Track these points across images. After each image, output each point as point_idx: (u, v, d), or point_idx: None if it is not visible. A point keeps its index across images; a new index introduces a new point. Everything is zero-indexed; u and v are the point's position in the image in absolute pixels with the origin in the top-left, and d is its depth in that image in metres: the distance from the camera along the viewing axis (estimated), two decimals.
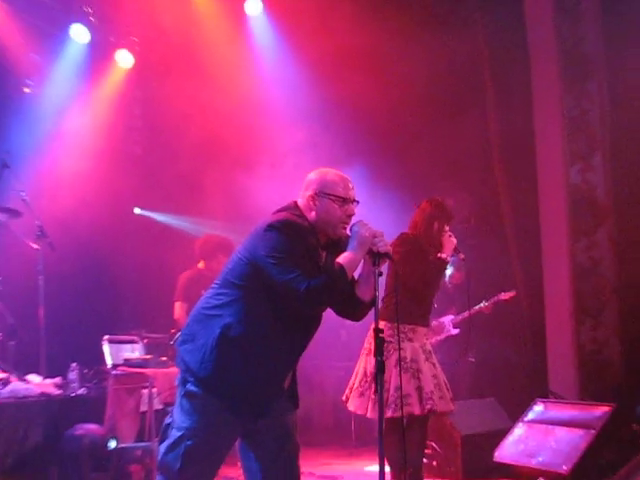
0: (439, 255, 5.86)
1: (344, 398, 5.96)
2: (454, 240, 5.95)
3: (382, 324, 4.49)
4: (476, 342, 8.78)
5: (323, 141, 8.83)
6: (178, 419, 3.61)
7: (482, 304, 8.36)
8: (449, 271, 8.79)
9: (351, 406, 5.84)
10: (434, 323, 8.59)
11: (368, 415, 5.68)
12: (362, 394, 5.76)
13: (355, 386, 5.85)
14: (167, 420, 3.73)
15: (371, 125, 9.21)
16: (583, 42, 8.68)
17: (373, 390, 5.60)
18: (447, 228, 6.02)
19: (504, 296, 8.48)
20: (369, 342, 5.90)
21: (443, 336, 8.67)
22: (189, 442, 3.54)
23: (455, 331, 8.60)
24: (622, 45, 8.25)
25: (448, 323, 8.60)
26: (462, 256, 6.02)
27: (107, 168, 9.21)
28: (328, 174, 3.83)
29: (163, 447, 3.65)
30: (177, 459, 3.56)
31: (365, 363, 5.84)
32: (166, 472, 3.63)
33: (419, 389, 5.59)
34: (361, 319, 4.22)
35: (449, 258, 5.93)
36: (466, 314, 8.53)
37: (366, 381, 5.76)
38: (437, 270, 5.88)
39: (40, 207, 7.52)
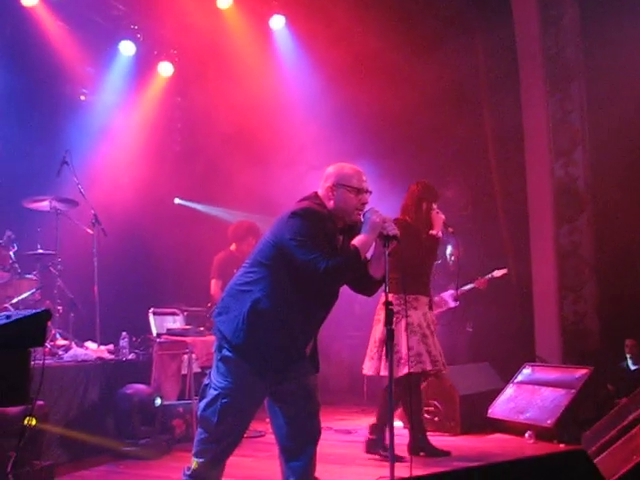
0: (431, 232, 5.81)
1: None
2: (442, 216, 5.89)
3: (390, 296, 4.54)
4: (473, 314, 8.80)
5: (335, 139, 8.81)
6: (215, 380, 3.67)
7: (476, 281, 8.38)
8: (449, 250, 8.82)
9: (365, 370, 5.89)
10: (436, 298, 8.60)
11: (381, 374, 5.68)
12: (372, 358, 5.80)
13: (368, 352, 5.89)
14: (205, 381, 3.78)
15: (381, 126, 9.20)
16: (565, 50, 8.67)
17: (384, 353, 5.65)
18: (435, 206, 5.95)
19: (497, 274, 8.50)
20: (378, 313, 5.93)
21: (444, 308, 8.70)
22: (224, 400, 3.59)
23: (455, 304, 8.62)
24: (599, 52, 8.23)
25: (448, 297, 8.61)
26: (451, 229, 5.95)
27: (151, 164, 9.25)
28: (345, 168, 3.86)
29: (202, 404, 3.70)
30: (214, 414, 3.61)
31: (374, 332, 5.88)
32: (205, 425, 3.69)
33: (428, 351, 5.66)
34: (373, 294, 4.25)
35: (440, 234, 5.87)
36: (466, 288, 8.59)
37: (375, 346, 5.80)
38: (430, 246, 5.84)
39: (94, 198, 7.58)
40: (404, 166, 8.71)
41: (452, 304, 8.51)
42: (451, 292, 8.53)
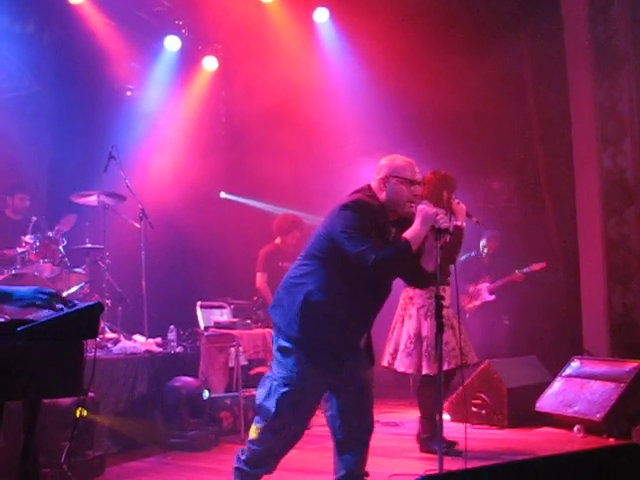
0: (455, 223, 5.50)
1: (385, 364, 5.83)
2: (464, 206, 5.59)
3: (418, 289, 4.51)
4: (512, 307, 8.72)
5: (379, 130, 8.79)
6: (275, 370, 3.71)
7: (513, 275, 8.33)
8: (483, 242, 8.73)
9: (400, 367, 5.72)
10: (471, 289, 8.55)
11: (424, 372, 5.58)
12: (409, 354, 5.66)
13: (401, 349, 5.72)
14: (267, 373, 3.82)
15: (425, 117, 9.14)
16: (614, 38, 8.49)
17: (425, 348, 5.59)
18: (454, 196, 5.71)
19: (535, 267, 8.44)
20: (403, 309, 5.81)
21: (479, 302, 8.64)
22: (283, 390, 3.63)
23: (491, 297, 8.55)
24: None
25: (484, 290, 8.53)
26: (475, 219, 5.66)
27: (196, 158, 9.34)
28: (397, 159, 3.86)
29: (261, 394, 3.71)
30: (273, 405, 3.64)
31: (407, 327, 5.72)
32: (264, 415, 3.70)
33: (458, 344, 5.46)
34: (427, 287, 4.27)
35: (464, 224, 5.57)
36: (499, 282, 8.53)
37: (411, 342, 5.66)
38: (455, 238, 5.35)
39: (141, 192, 7.67)
40: (448, 157, 8.64)
41: (488, 298, 8.45)
42: (486, 284, 8.46)
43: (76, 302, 2.94)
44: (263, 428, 3.71)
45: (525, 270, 8.50)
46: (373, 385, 3.87)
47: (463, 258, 8.57)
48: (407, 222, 3.78)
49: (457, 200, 5.63)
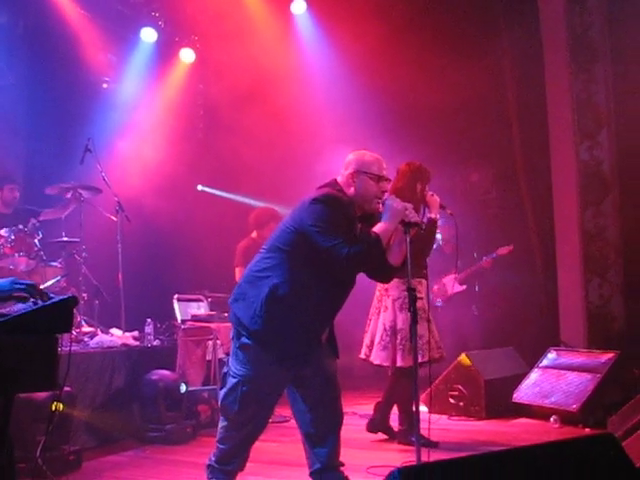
0: (428, 215, 5.49)
1: (363, 357, 5.83)
2: (437, 198, 5.50)
3: (395, 281, 4.50)
4: (480, 297, 8.77)
5: (356, 121, 8.78)
6: (234, 368, 3.69)
7: (481, 261, 8.36)
8: (440, 235, 8.62)
9: (376, 360, 5.71)
10: (435, 287, 8.54)
11: (398, 364, 5.58)
12: (385, 347, 5.65)
13: (376, 342, 5.72)
14: (225, 369, 3.82)
15: (401, 109, 9.15)
16: (590, 30, 8.54)
17: (399, 341, 5.59)
18: (428, 188, 5.64)
19: (502, 251, 8.46)
20: (379, 301, 5.80)
21: (450, 293, 8.64)
22: (244, 387, 3.63)
23: (461, 287, 8.55)
24: (625, 32, 8.12)
25: (450, 282, 8.50)
26: (449, 211, 5.53)
27: (173, 151, 9.29)
28: (365, 155, 3.88)
29: (222, 393, 3.75)
30: (235, 402, 3.65)
31: (383, 319, 5.71)
32: (227, 413, 3.72)
33: (432, 337, 5.46)
34: (390, 281, 4.27)
35: (437, 216, 5.52)
36: (467, 271, 8.54)
37: (387, 335, 5.65)
38: (429, 230, 5.37)
39: (117, 185, 7.62)
40: (425, 149, 8.66)
41: (458, 288, 8.45)
42: (453, 276, 8.46)
43: (53, 295, 2.91)
44: (227, 426, 3.72)
45: (492, 256, 8.53)
46: (338, 375, 3.86)
47: None
48: (372, 217, 3.79)
49: (431, 192, 5.57)
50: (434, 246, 6.44)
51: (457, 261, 6.61)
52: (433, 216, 5.50)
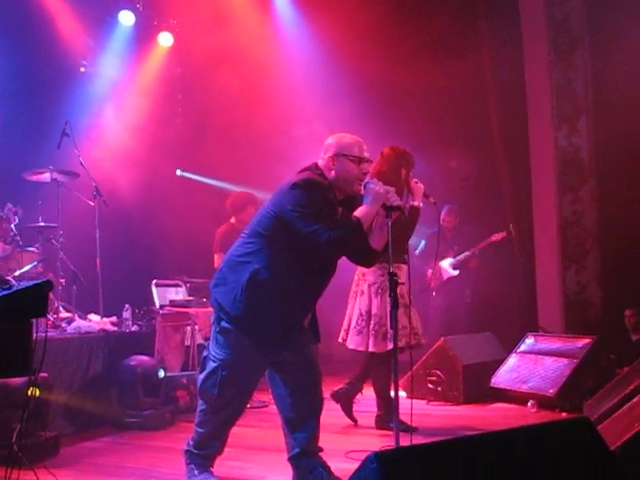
0: (412, 203, 5.36)
1: (340, 340, 5.82)
2: (422, 186, 5.39)
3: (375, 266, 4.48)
4: (473, 285, 8.79)
5: (337, 106, 8.75)
6: (214, 352, 3.68)
7: (475, 247, 8.40)
8: (442, 217, 8.58)
9: (351, 344, 5.69)
10: (429, 271, 8.50)
11: (370, 349, 5.55)
12: (360, 332, 5.63)
13: (352, 326, 5.70)
14: (205, 353, 3.80)
15: (381, 94, 9.12)
16: (569, 18, 8.57)
17: (372, 326, 5.57)
18: (412, 174, 5.53)
19: (496, 237, 8.49)
20: (356, 285, 5.78)
21: (445, 278, 8.67)
22: (224, 372, 3.63)
23: (454, 272, 8.58)
24: (604, 21, 8.15)
25: (447, 266, 8.55)
26: (433, 200, 5.39)
27: (152, 135, 9.22)
28: (345, 138, 3.86)
29: (202, 376, 3.73)
30: (214, 386, 3.65)
31: (359, 304, 5.68)
32: (206, 397, 3.71)
33: (409, 323, 5.42)
34: (372, 265, 4.25)
35: (420, 204, 5.39)
36: (465, 255, 8.56)
37: (362, 320, 5.62)
38: (411, 217, 5.28)
39: (95, 170, 7.55)
40: (405, 136, 8.65)
41: (452, 272, 8.49)
42: (450, 260, 8.49)
43: (13, 283, 2.87)
44: (206, 410, 3.72)
45: (486, 241, 8.56)
46: (319, 360, 3.85)
47: (422, 245, 8.61)
48: (353, 201, 3.77)
49: (415, 180, 5.46)
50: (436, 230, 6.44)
51: (437, 249, 6.55)
52: (416, 204, 5.39)
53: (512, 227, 9.11)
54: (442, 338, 7.11)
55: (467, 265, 8.65)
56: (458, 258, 8.57)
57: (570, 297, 8.46)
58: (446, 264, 8.58)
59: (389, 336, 5.43)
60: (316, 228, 3.50)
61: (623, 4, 7.77)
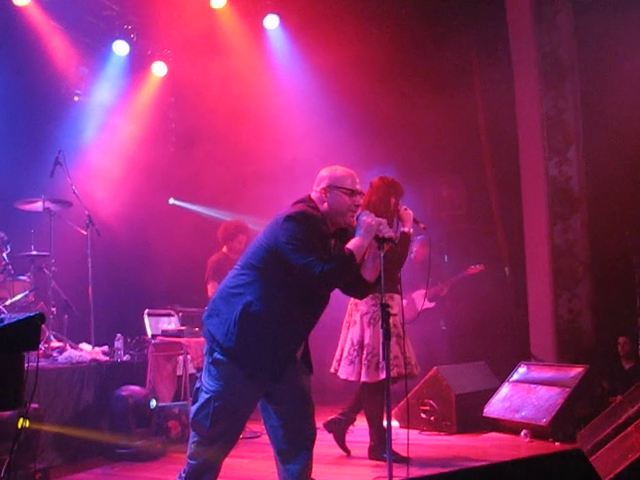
0: (402, 229, 5.49)
1: (332, 371, 5.85)
2: (411, 212, 5.54)
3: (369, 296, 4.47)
4: (448, 313, 8.78)
5: (328, 136, 8.80)
6: (207, 383, 3.66)
7: (450, 279, 8.38)
8: (414, 249, 8.61)
9: (343, 374, 5.71)
10: (404, 302, 8.47)
11: (362, 379, 5.57)
12: (352, 362, 5.65)
13: (344, 356, 5.73)
14: (197, 384, 3.78)
15: (373, 125, 9.19)
16: (559, 48, 8.66)
17: (365, 356, 5.59)
18: (401, 202, 5.64)
19: (472, 270, 8.48)
20: (349, 315, 5.82)
21: (420, 309, 8.62)
22: (216, 403, 3.59)
23: (430, 304, 8.53)
24: (593, 50, 8.26)
25: (420, 298, 8.48)
26: (423, 226, 5.56)
27: (145, 164, 9.23)
28: (337, 170, 3.87)
29: (194, 408, 3.71)
30: (207, 418, 3.61)
31: (352, 334, 5.72)
32: (198, 429, 3.68)
33: (402, 353, 5.45)
34: (365, 297, 4.26)
35: (411, 230, 5.52)
36: (439, 288, 8.54)
37: (354, 350, 5.65)
38: (403, 244, 5.39)
39: (88, 199, 7.55)
40: (398, 165, 8.69)
41: (427, 305, 8.44)
42: (422, 292, 8.44)
43: (4, 314, 2.85)
44: (198, 441, 3.69)
45: (461, 274, 8.57)
46: (312, 392, 3.84)
47: None
48: (346, 233, 3.79)
49: (404, 207, 5.60)
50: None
51: (429, 277, 6.59)
52: (406, 230, 5.51)
53: (504, 259, 9.15)
54: (435, 367, 7.09)
55: (439, 295, 8.63)
56: (433, 289, 8.54)
57: (562, 325, 8.46)
58: (419, 295, 8.53)
59: (381, 366, 5.45)
60: (309, 260, 3.50)
61: (611, 34, 7.86)
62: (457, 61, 9.31)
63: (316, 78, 9.11)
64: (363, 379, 5.57)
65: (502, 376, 7.29)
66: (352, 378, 5.67)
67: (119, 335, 6.81)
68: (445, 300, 8.74)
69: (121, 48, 9.32)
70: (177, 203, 10.55)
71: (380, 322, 5.00)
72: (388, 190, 5.66)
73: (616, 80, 7.84)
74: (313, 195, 3.85)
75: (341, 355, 5.80)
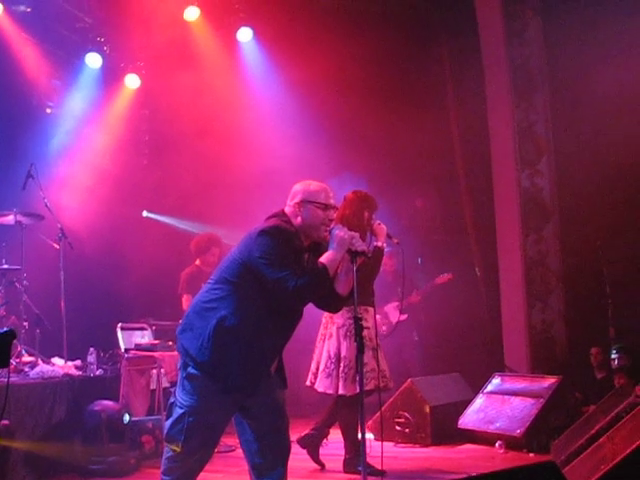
0: (375, 244, 5.48)
1: (308, 384, 5.83)
2: (384, 227, 5.54)
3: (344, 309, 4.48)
4: (420, 323, 8.81)
5: (303, 150, 8.81)
6: (180, 398, 3.64)
7: (420, 290, 8.39)
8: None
9: (320, 387, 5.71)
10: (378, 316, 8.47)
11: (340, 392, 5.56)
12: (329, 375, 5.65)
13: (321, 369, 5.73)
14: (171, 399, 3.76)
15: (347, 137, 9.22)
16: (529, 61, 8.77)
17: (342, 369, 5.59)
18: (374, 216, 5.66)
19: (440, 279, 8.51)
20: (325, 328, 5.82)
21: (394, 322, 8.63)
22: (190, 418, 3.57)
23: (403, 316, 8.53)
24: (562, 62, 8.38)
25: (393, 311, 8.48)
26: (396, 240, 5.53)
27: (118, 176, 9.19)
28: (311, 185, 3.89)
29: (168, 423, 3.69)
30: (181, 433, 3.59)
31: (328, 346, 5.72)
32: (172, 444, 3.66)
33: (378, 365, 5.44)
34: (338, 310, 4.26)
35: (384, 245, 5.53)
36: (413, 298, 8.54)
37: (331, 362, 5.65)
38: (375, 258, 5.36)
39: (60, 211, 7.50)
40: (372, 177, 8.72)
41: (400, 317, 8.44)
42: (395, 304, 8.43)
43: None
44: (172, 457, 3.66)
45: (430, 284, 8.59)
46: (286, 406, 3.83)
47: None
48: (319, 247, 3.81)
49: (378, 221, 5.62)
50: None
51: (403, 290, 6.65)
52: (380, 244, 5.53)
53: (478, 270, 9.20)
54: (409, 379, 7.10)
55: (412, 304, 8.62)
56: (406, 301, 8.54)
57: (535, 336, 8.51)
58: (391, 308, 8.53)
59: (358, 379, 5.40)
60: (283, 275, 3.52)
61: (581, 47, 7.97)
62: (430, 74, 9.40)
63: (290, 91, 9.15)
64: (341, 392, 5.57)
65: (476, 387, 7.32)
66: (330, 391, 5.66)
67: (92, 349, 6.74)
68: (418, 311, 8.75)
69: (94, 60, 9.26)
70: (150, 216, 10.50)
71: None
72: (362, 204, 5.69)
73: (586, 91, 7.92)
74: (287, 209, 3.86)
75: (317, 368, 5.79)
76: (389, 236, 5.57)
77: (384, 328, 8.39)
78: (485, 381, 7.26)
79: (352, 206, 5.67)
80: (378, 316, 8.12)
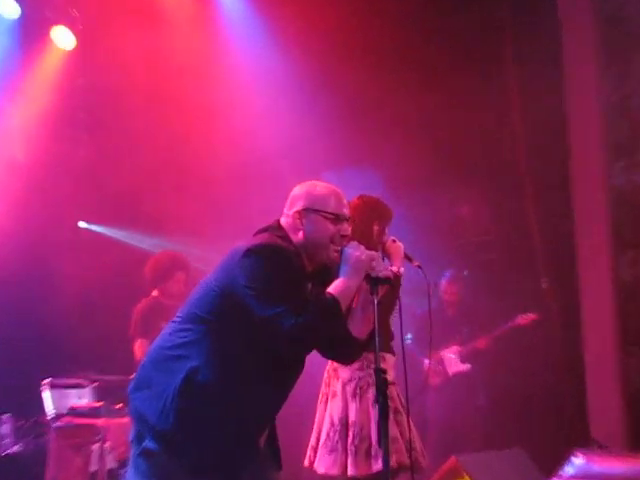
0: (390, 268, 5.03)
1: (306, 463, 5.77)
2: (401, 245, 5.36)
3: None
4: (490, 379, 8.87)
5: (298, 130, 8.90)
6: None
7: (493, 332, 8.45)
8: (441, 288, 8.72)
9: (320, 468, 5.63)
10: (426, 362, 8.45)
11: (349, 473, 5.48)
12: (333, 449, 5.59)
13: (322, 441, 5.68)
14: None
15: (363, 111, 9.29)
16: (625, 8, 8.77)
17: (351, 440, 5.53)
18: (387, 231, 5.68)
19: (521, 320, 8.55)
20: (327, 385, 5.83)
21: (451, 374, 8.67)
22: None
23: (465, 366, 8.57)
24: None
25: (451, 357, 8.53)
26: (417, 263, 5.27)
27: (44, 173, 9.27)
28: (317, 187, 3.90)
29: None
30: None
31: (331, 410, 5.71)
32: None
33: (402, 434, 5.44)
34: (354, 361, 4.28)
35: (402, 270, 5.26)
36: (480, 343, 8.60)
37: (335, 431, 5.62)
38: (390, 287, 5.11)
39: None
40: (390, 171, 8.79)
41: (460, 367, 8.48)
42: (456, 348, 8.49)
43: None
44: None
45: (508, 325, 8.64)
46: None
47: (408, 337, 8.56)
48: (327, 272, 3.80)
49: (392, 237, 5.48)
50: (433, 306, 6.43)
51: (431, 335, 6.59)
52: (396, 269, 5.40)
53: (550, 302, 9.23)
54: (453, 457, 7.14)
55: (477, 349, 8.69)
56: (469, 347, 8.61)
57: (635, 395, 8.51)
58: (452, 354, 8.59)
59: (374, 453, 5.41)
60: (278, 311, 3.47)
61: None
62: (482, 24, 9.44)
63: (284, 54, 9.19)
64: (350, 472, 5.51)
65: (548, 470, 7.34)
66: (333, 472, 5.58)
67: (6, 417, 6.80)
68: (487, 361, 8.78)
69: (9, 8, 9.31)
70: (90, 227, 10.56)
71: (370, 391, 5.06)
72: (370, 214, 5.74)
73: None
74: (283, 221, 3.87)
75: (317, 441, 5.75)
76: (407, 258, 5.38)
77: (436, 380, 8.45)
78: (561, 461, 7.29)
79: (357, 216, 5.54)
80: (427, 361, 8.15)
